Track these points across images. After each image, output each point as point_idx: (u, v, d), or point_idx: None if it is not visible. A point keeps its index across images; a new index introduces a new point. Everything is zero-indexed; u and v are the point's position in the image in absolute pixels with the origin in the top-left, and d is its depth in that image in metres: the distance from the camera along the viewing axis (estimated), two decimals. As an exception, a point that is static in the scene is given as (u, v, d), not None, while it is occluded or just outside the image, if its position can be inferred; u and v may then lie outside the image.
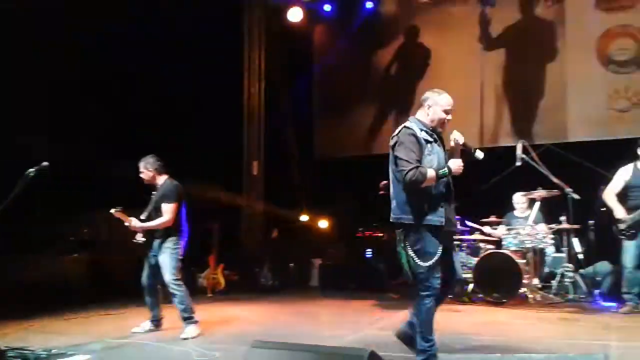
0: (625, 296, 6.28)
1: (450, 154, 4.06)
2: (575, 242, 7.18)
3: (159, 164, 5.58)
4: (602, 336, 5.02)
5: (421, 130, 3.98)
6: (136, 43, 8.23)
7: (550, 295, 6.92)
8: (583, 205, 7.00)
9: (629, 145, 6.40)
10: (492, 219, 7.72)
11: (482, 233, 7.65)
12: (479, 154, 4.05)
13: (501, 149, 8.64)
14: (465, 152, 4.07)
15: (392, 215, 4.03)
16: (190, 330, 5.30)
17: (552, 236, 7.07)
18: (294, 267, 9.29)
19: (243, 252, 9.50)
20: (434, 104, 4.02)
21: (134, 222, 5.41)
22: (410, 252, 3.89)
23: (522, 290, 6.94)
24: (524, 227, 7.16)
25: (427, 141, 3.96)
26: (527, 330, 5.39)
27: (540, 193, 7.12)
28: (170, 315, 5.59)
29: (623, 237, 6.18)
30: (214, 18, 9.11)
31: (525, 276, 6.90)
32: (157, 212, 5.45)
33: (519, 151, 7.08)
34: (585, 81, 8.99)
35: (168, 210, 5.40)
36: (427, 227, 3.88)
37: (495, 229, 7.64)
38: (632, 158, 6.28)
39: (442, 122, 4.04)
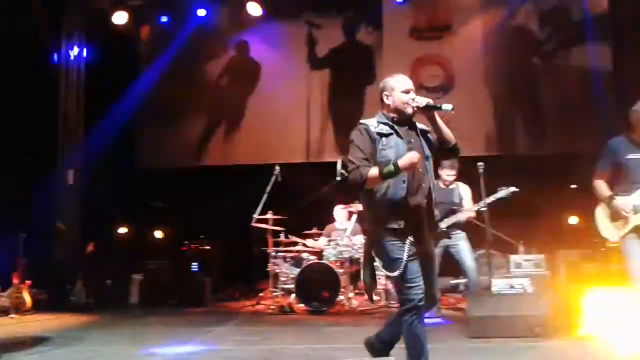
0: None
1: (431, 124, 3.62)
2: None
3: None
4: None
5: (379, 123, 3.61)
6: None
7: (365, 302, 7.30)
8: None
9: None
10: (315, 230, 7.99)
11: (305, 245, 7.87)
12: (447, 107, 3.51)
13: (326, 165, 8.99)
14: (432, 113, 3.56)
15: None
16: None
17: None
18: (112, 284, 8.72)
19: (54, 267, 8.72)
20: (391, 89, 3.64)
21: None
22: (377, 264, 3.52)
23: (340, 298, 7.25)
24: (343, 238, 7.50)
25: (382, 134, 3.56)
26: (339, 338, 5.61)
27: (357, 206, 7.50)
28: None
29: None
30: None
31: (343, 285, 7.22)
32: None
33: (339, 166, 7.31)
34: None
35: None
36: (387, 231, 3.45)
37: (317, 240, 7.91)
38: (436, 177, 6.86)
39: (405, 105, 3.58)
